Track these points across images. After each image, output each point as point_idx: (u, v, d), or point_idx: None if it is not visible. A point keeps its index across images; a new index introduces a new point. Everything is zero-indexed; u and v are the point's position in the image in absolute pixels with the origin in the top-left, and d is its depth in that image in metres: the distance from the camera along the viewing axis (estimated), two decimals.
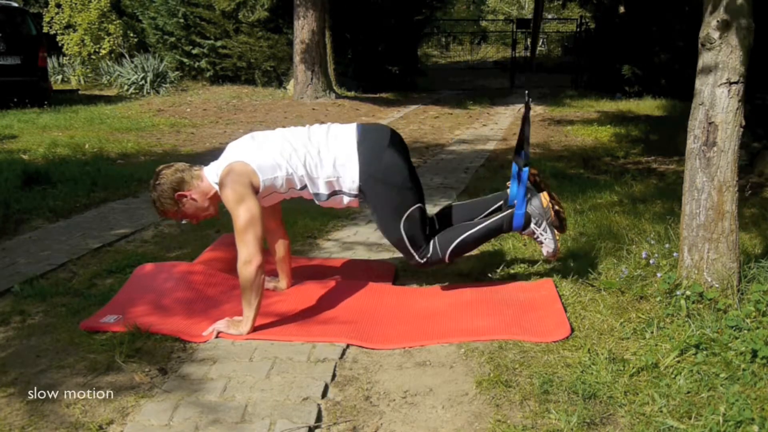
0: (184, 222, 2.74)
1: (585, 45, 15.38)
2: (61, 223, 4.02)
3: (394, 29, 13.74)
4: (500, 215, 2.81)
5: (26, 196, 4.47)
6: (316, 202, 2.71)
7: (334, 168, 2.60)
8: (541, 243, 2.81)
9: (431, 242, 2.74)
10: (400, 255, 2.83)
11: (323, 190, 2.64)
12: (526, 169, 2.72)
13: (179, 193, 2.58)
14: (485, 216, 2.88)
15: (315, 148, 2.61)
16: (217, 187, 2.58)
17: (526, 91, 2.94)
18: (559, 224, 2.81)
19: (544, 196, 2.80)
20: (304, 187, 2.64)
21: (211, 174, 2.62)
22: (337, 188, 2.64)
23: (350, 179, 2.61)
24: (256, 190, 2.52)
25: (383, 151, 2.63)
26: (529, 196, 2.78)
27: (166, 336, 2.43)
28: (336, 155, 2.60)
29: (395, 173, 2.63)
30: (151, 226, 3.98)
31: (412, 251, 2.72)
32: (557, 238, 2.82)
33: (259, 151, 2.58)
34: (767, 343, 2.17)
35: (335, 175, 2.61)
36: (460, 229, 2.78)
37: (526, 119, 2.73)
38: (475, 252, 3.38)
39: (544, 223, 2.79)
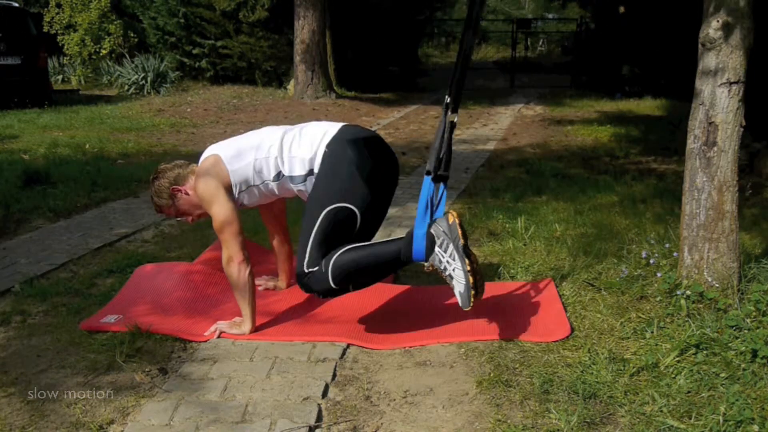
0: (179, 220, 2.74)
1: (585, 45, 15.37)
2: (62, 223, 4.02)
3: (394, 29, 13.73)
4: (397, 237, 2.35)
5: (27, 196, 4.48)
6: (294, 189, 2.50)
7: (310, 144, 2.44)
8: (450, 278, 2.17)
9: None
10: None
11: (298, 171, 2.45)
12: (427, 178, 2.25)
13: (174, 187, 2.58)
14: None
15: (298, 129, 2.52)
16: None
17: (446, 96, 2.28)
18: (473, 278, 2.13)
19: (451, 213, 2.22)
20: (279, 175, 2.47)
21: None
22: (314, 166, 2.43)
23: (322, 151, 2.41)
24: (228, 186, 2.48)
25: (357, 138, 2.42)
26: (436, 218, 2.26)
27: (166, 336, 2.44)
28: (316, 133, 2.47)
29: (360, 160, 2.36)
30: (151, 226, 3.98)
31: (308, 251, 2.30)
32: (469, 269, 2.12)
33: (232, 144, 2.55)
34: (767, 342, 2.18)
35: (312, 152, 2.42)
36: (347, 244, 2.32)
37: (440, 125, 2.30)
38: (475, 252, 3.37)
39: (451, 247, 2.16)
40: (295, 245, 2.49)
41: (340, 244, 2.34)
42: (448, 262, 2.17)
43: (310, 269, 2.33)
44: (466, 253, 2.16)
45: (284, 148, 2.47)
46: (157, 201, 2.62)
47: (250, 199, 2.57)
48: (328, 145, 2.42)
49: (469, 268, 2.13)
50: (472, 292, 2.13)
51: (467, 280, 2.13)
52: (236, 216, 2.45)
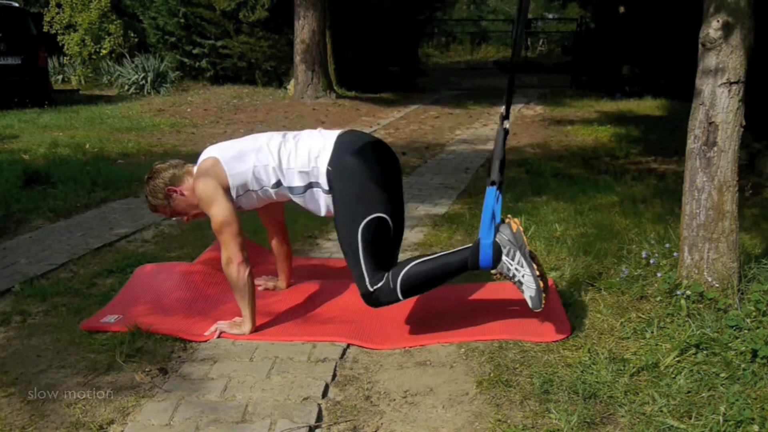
0: (175, 219, 2.73)
1: (585, 45, 15.37)
2: (62, 223, 4.02)
3: (394, 29, 13.73)
4: (466, 247, 2.39)
5: (27, 196, 4.48)
6: (294, 198, 2.52)
7: (308, 158, 2.44)
8: (520, 284, 2.28)
9: (386, 274, 2.38)
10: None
11: (298, 183, 2.46)
12: (491, 189, 2.31)
13: (170, 188, 2.57)
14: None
15: (293, 141, 2.51)
16: None
17: (506, 107, 2.37)
18: (542, 282, 2.26)
19: (514, 221, 2.32)
20: (278, 183, 2.48)
21: None
22: (312, 179, 2.44)
23: (322, 170, 2.42)
24: (227, 189, 2.48)
25: (359, 147, 2.43)
26: (497, 224, 2.32)
27: (166, 336, 2.44)
28: (312, 146, 2.46)
29: (364, 170, 2.39)
30: (151, 226, 3.98)
31: (364, 270, 2.35)
32: (538, 274, 2.24)
33: (231, 147, 2.55)
34: (767, 342, 2.18)
35: (309, 166, 2.43)
36: (414, 258, 2.41)
37: (498, 133, 2.40)
38: None
39: (518, 254, 2.26)
40: (294, 245, 2.49)
41: (385, 251, 2.41)
42: (516, 269, 2.27)
43: (375, 287, 2.37)
44: (532, 257, 2.27)
45: (282, 159, 2.48)
46: (152, 201, 2.61)
47: (248, 202, 2.58)
48: (330, 163, 2.42)
49: (538, 273, 2.25)
50: (543, 294, 2.24)
51: (537, 285, 2.24)
52: (235, 217, 2.45)
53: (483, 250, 2.29)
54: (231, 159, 2.50)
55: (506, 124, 2.37)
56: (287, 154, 2.48)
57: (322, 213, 2.52)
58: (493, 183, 2.31)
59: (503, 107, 2.39)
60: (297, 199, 2.53)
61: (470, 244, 2.36)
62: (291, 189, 2.50)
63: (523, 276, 2.26)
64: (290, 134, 2.57)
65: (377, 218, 2.37)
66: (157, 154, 6.50)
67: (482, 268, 2.34)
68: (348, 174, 2.39)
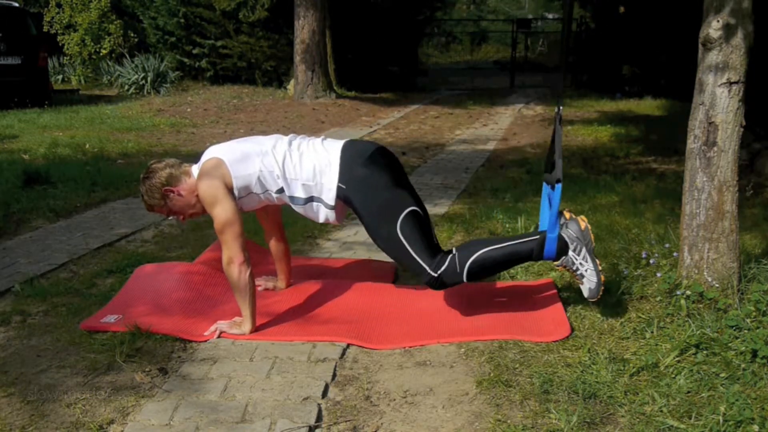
0: (171, 218, 2.73)
1: (585, 45, 15.37)
2: (62, 223, 4.03)
3: (394, 29, 13.73)
4: (530, 237, 2.49)
5: (27, 196, 4.48)
6: (293, 206, 2.57)
7: (313, 173, 2.49)
8: (582, 277, 2.44)
9: (449, 255, 2.48)
10: None
11: (300, 194, 2.52)
12: (558, 186, 2.42)
13: (167, 188, 2.56)
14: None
15: (297, 152, 2.53)
16: None
17: (559, 107, 2.53)
18: (603, 276, 2.45)
19: (582, 219, 2.47)
20: (281, 190, 2.53)
21: (197, 171, 2.62)
22: (315, 194, 2.51)
23: (328, 187, 2.49)
24: (230, 189, 2.49)
25: (367, 157, 2.50)
26: (563, 220, 2.47)
27: (166, 336, 2.44)
28: (317, 161, 2.50)
29: (379, 177, 2.48)
30: (151, 226, 3.99)
31: (421, 261, 2.45)
32: (600, 269, 2.42)
33: (236, 149, 2.55)
34: (767, 342, 2.18)
35: (314, 181, 2.49)
36: (483, 243, 2.51)
37: (556, 132, 2.49)
38: None
39: (584, 251, 2.43)
40: (294, 245, 2.49)
41: (428, 236, 2.52)
42: (581, 263, 2.43)
43: (438, 271, 2.46)
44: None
45: (287, 169, 2.50)
46: (149, 200, 2.60)
47: (250, 204, 2.59)
48: (341, 180, 2.47)
49: (600, 267, 2.43)
50: (602, 288, 2.43)
51: (599, 279, 2.42)
52: (238, 217, 2.45)
53: (548, 244, 2.43)
54: (236, 161, 2.50)
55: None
56: (292, 165, 2.51)
57: (320, 220, 2.59)
58: (558, 181, 2.41)
59: (558, 108, 2.54)
60: (297, 208, 2.58)
61: (535, 235, 2.48)
62: (292, 198, 2.54)
63: (586, 270, 2.43)
64: (294, 142, 2.58)
65: (408, 213, 2.47)
66: (157, 154, 6.50)
67: (545, 260, 2.49)
68: (364, 186, 2.47)
